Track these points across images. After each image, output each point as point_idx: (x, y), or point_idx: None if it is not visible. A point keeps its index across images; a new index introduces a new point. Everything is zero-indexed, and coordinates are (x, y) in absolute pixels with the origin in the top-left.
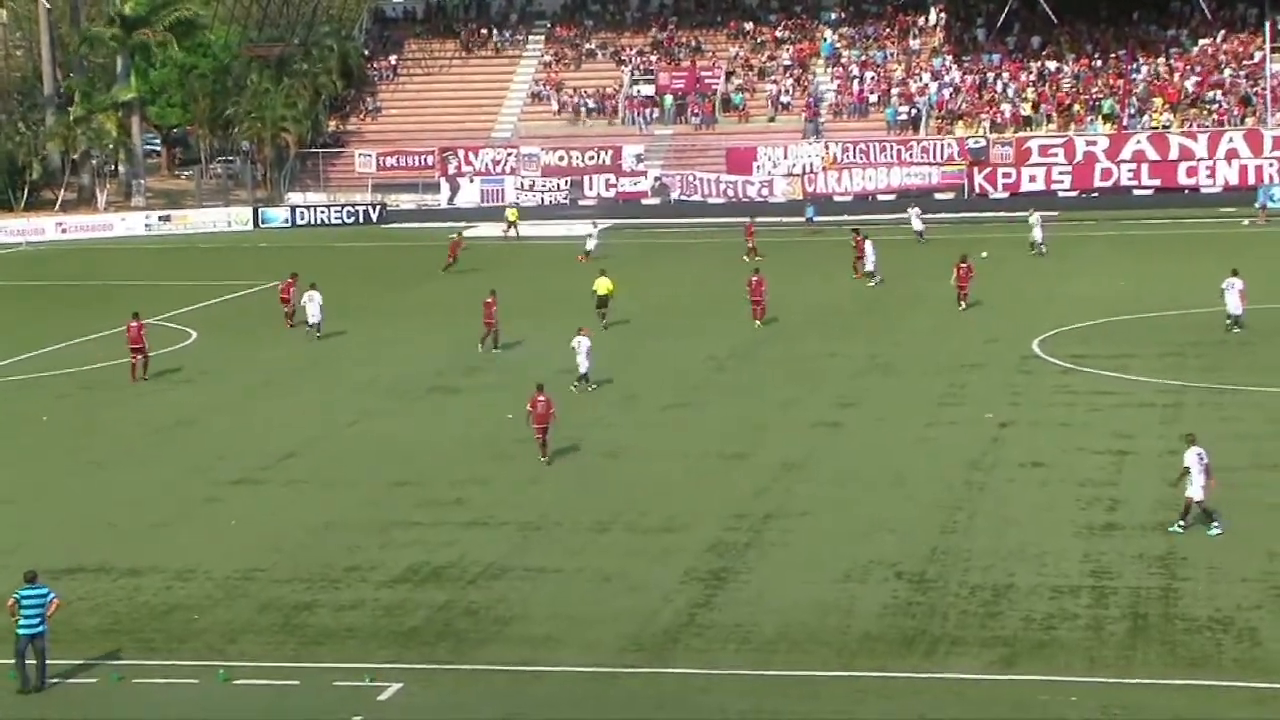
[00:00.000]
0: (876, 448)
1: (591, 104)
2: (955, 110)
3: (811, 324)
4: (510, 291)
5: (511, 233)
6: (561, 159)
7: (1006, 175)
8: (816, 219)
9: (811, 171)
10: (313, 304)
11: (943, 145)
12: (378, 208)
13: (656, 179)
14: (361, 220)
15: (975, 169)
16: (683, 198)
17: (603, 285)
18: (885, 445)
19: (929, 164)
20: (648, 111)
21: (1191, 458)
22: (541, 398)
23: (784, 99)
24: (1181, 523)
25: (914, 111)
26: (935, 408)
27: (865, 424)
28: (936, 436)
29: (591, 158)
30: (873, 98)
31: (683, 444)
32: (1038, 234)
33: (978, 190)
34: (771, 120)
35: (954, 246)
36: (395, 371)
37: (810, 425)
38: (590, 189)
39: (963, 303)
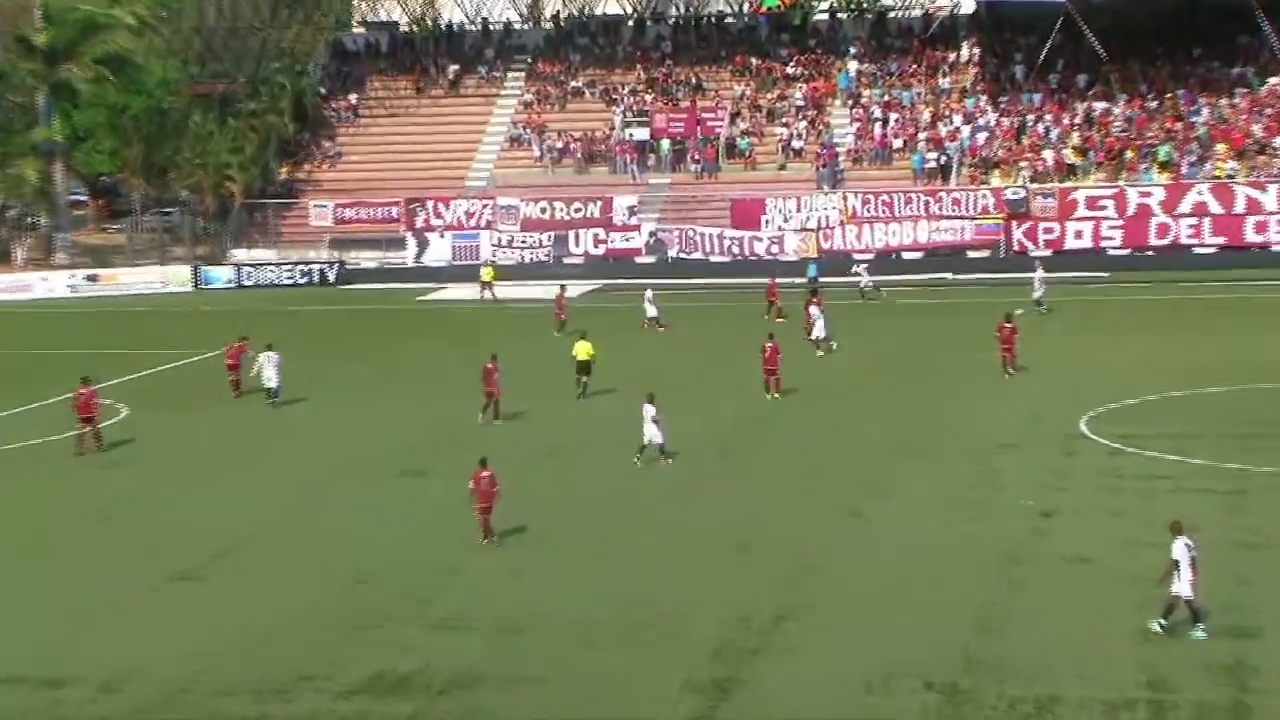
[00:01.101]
0: (902, 539)
1: (578, 150)
2: (990, 157)
3: (829, 396)
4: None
5: (487, 294)
6: (544, 211)
7: (1049, 230)
8: (822, 278)
9: (828, 226)
10: (270, 365)
11: (976, 197)
12: (335, 266)
13: (651, 234)
14: (317, 280)
15: (1014, 223)
16: (681, 255)
17: (583, 350)
18: (912, 536)
19: (961, 218)
20: (642, 158)
21: (1180, 549)
22: (485, 473)
23: (796, 144)
24: (1163, 621)
25: (944, 159)
26: (968, 493)
27: (889, 511)
28: (970, 527)
29: (578, 210)
30: (897, 143)
31: (683, 532)
32: (1040, 293)
33: (1016, 247)
34: (782, 168)
35: (988, 312)
36: (359, 450)
37: (827, 512)
38: (577, 245)
39: (1010, 369)
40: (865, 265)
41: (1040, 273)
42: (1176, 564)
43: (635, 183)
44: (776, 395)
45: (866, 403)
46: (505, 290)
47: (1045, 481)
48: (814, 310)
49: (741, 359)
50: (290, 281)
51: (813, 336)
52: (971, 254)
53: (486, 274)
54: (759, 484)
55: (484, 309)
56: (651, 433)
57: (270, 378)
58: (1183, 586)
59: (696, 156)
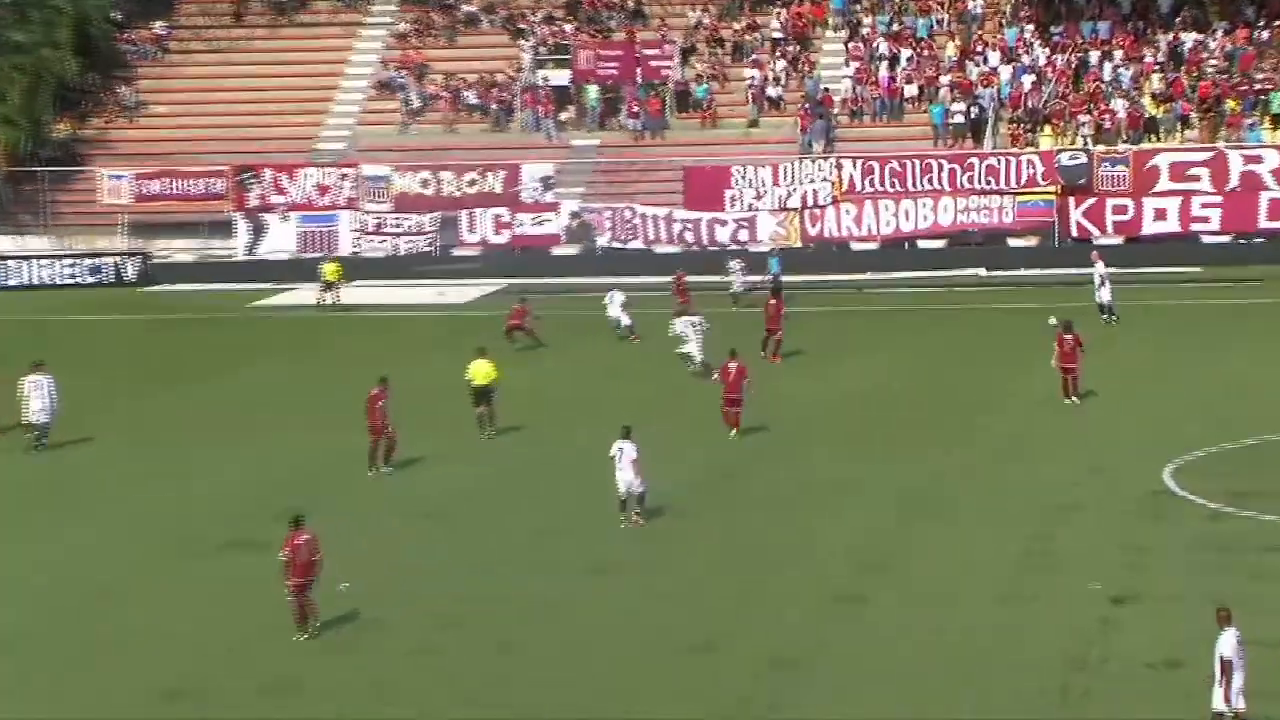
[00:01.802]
0: (918, 635)
1: (472, 99)
2: (1039, 109)
3: (817, 435)
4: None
5: (329, 297)
6: (426, 185)
7: (1120, 210)
8: (784, 276)
9: (816, 205)
10: (39, 393)
11: (1020, 164)
12: (136, 260)
13: (574, 215)
14: (110, 279)
15: (1071, 200)
16: (615, 244)
17: (480, 372)
18: (933, 631)
19: (999, 192)
20: (560, 111)
21: (1229, 645)
22: (304, 537)
23: (772, 91)
24: None
25: (975, 112)
26: (1013, 573)
27: (901, 597)
28: (1015, 619)
29: (473, 183)
30: (911, 90)
31: (623, 627)
32: (1105, 294)
33: (1074, 232)
34: (753, 125)
35: (1035, 321)
36: (168, 512)
37: (816, 600)
38: (471, 230)
39: (1072, 395)
40: (741, 265)
41: (1101, 267)
42: (1227, 665)
43: (551, 144)
44: (734, 434)
45: (870, 445)
46: (367, 294)
47: (1118, 556)
48: (677, 324)
49: (701, 387)
50: (72, 280)
51: (685, 352)
52: (1014, 242)
53: (329, 271)
54: (725, 557)
55: (329, 318)
56: (629, 480)
57: (39, 410)
58: (1226, 699)
59: (635, 109)
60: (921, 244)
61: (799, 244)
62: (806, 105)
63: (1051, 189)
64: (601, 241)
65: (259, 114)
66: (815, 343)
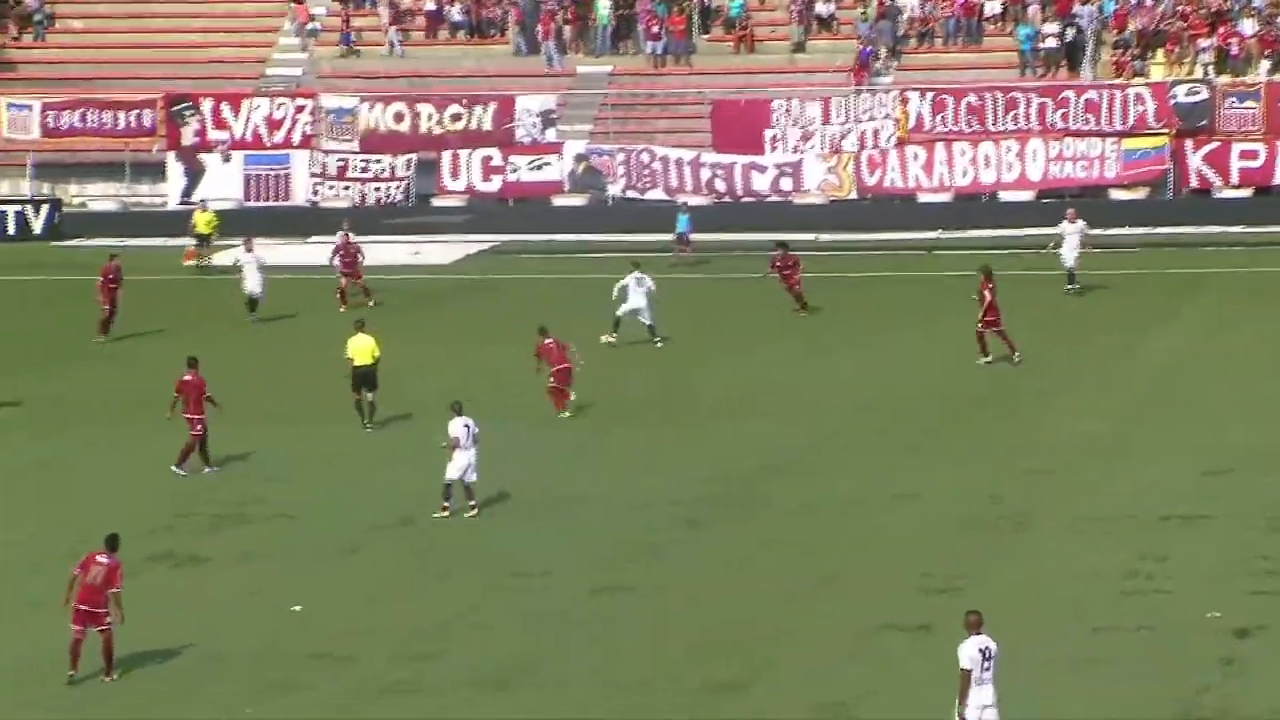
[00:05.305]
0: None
1: (456, 14)
2: (1147, 31)
3: (870, 430)
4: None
5: (201, 255)
6: (399, 119)
7: (1248, 155)
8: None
9: (876, 147)
10: None
11: (1126, 100)
12: (44, 208)
13: (579, 159)
14: (12, 231)
15: (1188, 144)
16: (629, 194)
17: (360, 349)
18: (1009, 667)
19: (1099, 133)
20: (563, 31)
21: None
22: (102, 559)
23: (822, 8)
24: None
25: (1070, 34)
26: (1110, 598)
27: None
28: (1112, 653)
29: (457, 118)
30: (992, 7)
31: (637, 658)
32: (1069, 254)
33: (1194, 183)
34: (799, 49)
35: (1141, 291)
36: (77, 518)
37: (869, 629)
38: (454, 177)
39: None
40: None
41: (1075, 224)
42: None
43: (552, 72)
44: (565, 414)
45: (935, 441)
46: (325, 251)
47: (1243, 582)
48: (631, 282)
49: (738, 370)
50: None
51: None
52: (1118, 195)
53: (202, 223)
54: (757, 579)
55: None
56: (466, 465)
57: None
58: None
59: (655, 29)
60: (1005, 197)
61: (853, 195)
62: (865, 27)
63: (1165, 132)
64: (613, 191)
65: (198, 30)
66: (869, 315)
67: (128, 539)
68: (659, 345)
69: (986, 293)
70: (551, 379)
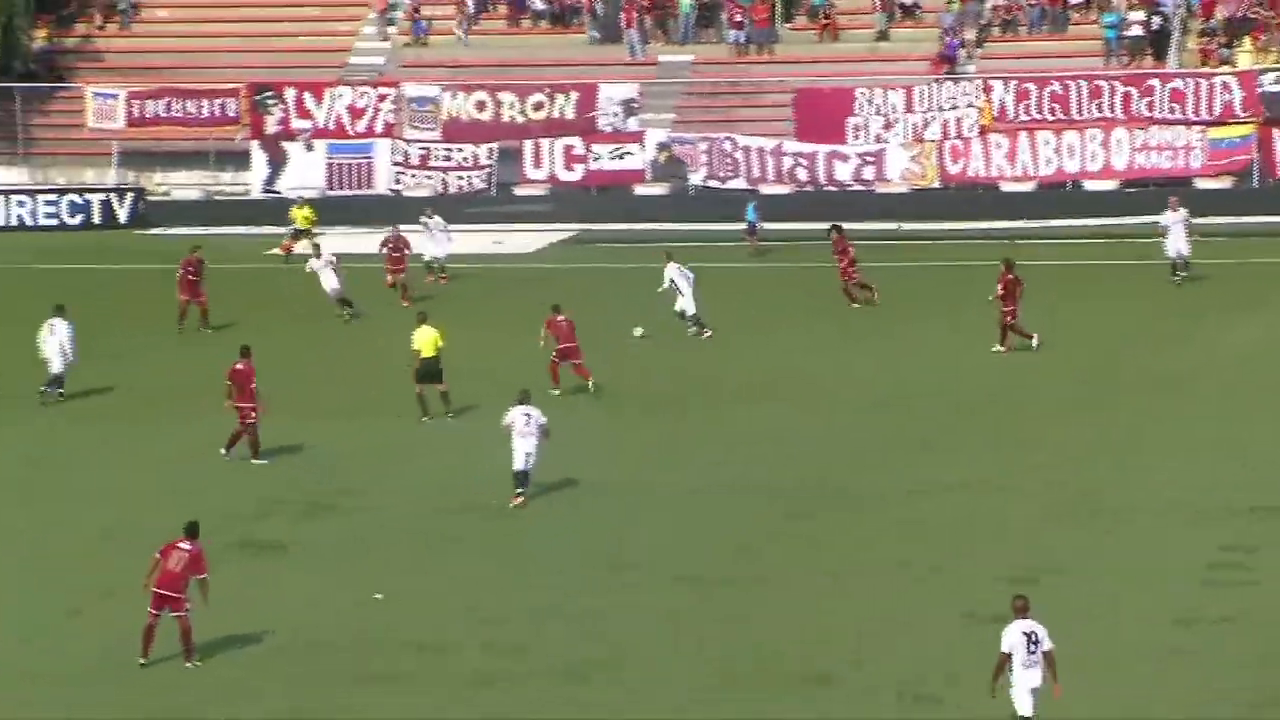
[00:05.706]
0: (1073, 664)
1: (540, 4)
2: (1234, 18)
3: (950, 420)
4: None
5: (303, 249)
6: (481, 108)
7: None
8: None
9: (960, 136)
10: (53, 341)
11: (1213, 88)
12: (129, 197)
13: (662, 147)
14: (98, 220)
15: (1275, 132)
16: (711, 183)
17: (425, 341)
18: (1092, 656)
19: (1184, 122)
20: (646, 21)
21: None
22: (184, 546)
23: None
24: None
25: (1157, 22)
26: (1196, 589)
27: (1053, 616)
28: (1197, 644)
29: (539, 107)
30: None
31: (721, 652)
32: (1176, 245)
33: (1279, 173)
34: (882, 38)
35: (1232, 281)
36: (176, 504)
37: (953, 620)
38: (536, 166)
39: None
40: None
41: (1179, 214)
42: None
43: (634, 61)
44: (555, 391)
45: (1016, 431)
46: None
47: None
48: (669, 269)
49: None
50: (53, 222)
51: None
52: (1204, 185)
53: (301, 217)
54: (840, 570)
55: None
56: (530, 451)
57: (57, 359)
58: None
59: (738, 18)
60: (1090, 187)
61: (936, 184)
62: (949, 17)
63: (1253, 120)
64: (695, 179)
65: (281, 20)
66: (950, 307)
67: (206, 527)
68: (708, 336)
69: (1005, 284)
70: (555, 355)
